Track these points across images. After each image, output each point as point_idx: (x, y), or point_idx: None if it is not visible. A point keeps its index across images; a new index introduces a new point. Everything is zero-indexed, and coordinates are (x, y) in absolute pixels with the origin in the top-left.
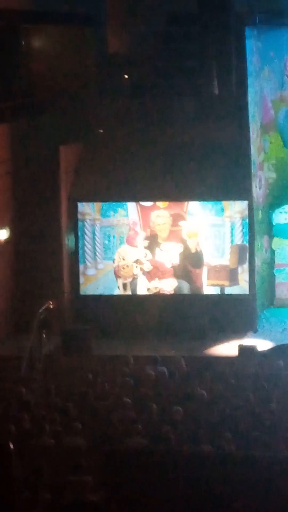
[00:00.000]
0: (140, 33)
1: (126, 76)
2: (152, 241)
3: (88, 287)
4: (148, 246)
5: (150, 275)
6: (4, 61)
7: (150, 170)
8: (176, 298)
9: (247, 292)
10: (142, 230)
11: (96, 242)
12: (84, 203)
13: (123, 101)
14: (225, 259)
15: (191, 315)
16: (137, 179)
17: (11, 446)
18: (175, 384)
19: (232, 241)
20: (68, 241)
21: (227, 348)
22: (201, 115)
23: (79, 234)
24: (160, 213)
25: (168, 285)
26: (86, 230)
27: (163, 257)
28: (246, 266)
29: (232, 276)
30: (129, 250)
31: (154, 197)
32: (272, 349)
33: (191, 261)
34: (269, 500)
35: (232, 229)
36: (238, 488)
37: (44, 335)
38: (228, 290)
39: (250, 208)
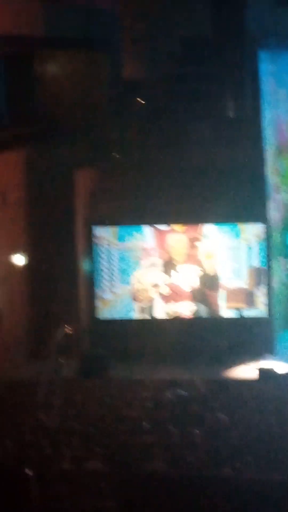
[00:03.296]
0: (154, 57)
1: (140, 100)
2: (169, 264)
3: (105, 311)
4: (164, 269)
5: (167, 299)
6: (18, 87)
7: (166, 194)
8: (194, 321)
9: (265, 314)
10: (158, 253)
11: (113, 266)
12: (100, 227)
13: (138, 125)
14: (243, 281)
15: (209, 338)
16: (152, 202)
17: (29, 472)
18: (194, 407)
19: (249, 264)
20: (84, 265)
21: (246, 371)
22: (217, 138)
23: (95, 258)
24: (177, 236)
25: (185, 309)
26: (102, 254)
27: (180, 280)
28: (263, 288)
29: (250, 299)
30: (146, 274)
31: (170, 220)
32: None
33: (208, 284)
34: None
35: (249, 252)
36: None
37: (61, 360)
38: (246, 313)
39: (267, 230)
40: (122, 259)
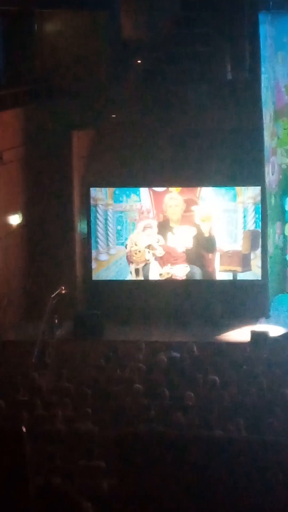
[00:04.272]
0: (153, 18)
1: (139, 61)
2: (165, 226)
3: (101, 273)
4: (160, 231)
5: (162, 261)
6: (17, 46)
7: (163, 156)
8: (188, 283)
9: (259, 277)
10: (154, 215)
11: (109, 228)
12: (97, 188)
13: (136, 86)
14: (238, 244)
15: (204, 301)
16: (150, 164)
17: (24, 430)
18: (187, 369)
19: (244, 227)
20: (80, 226)
21: (240, 334)
22: (214, 100)
23: (92, 219)
24: (173, 195)
25: (180, 271)
26: (98, 216)
27: (176, 242)
28: (258, 251)
29: (245, 262)
30: (142, 235)
31: (166, 183)
32: (284, 335)
33: (204, 246)
34: (277, 484)
35: (244, 215)
36: (249, 473)
37: (56, 320)
38: (241, 276)
39: (263, 193)
40: (118, 220)
